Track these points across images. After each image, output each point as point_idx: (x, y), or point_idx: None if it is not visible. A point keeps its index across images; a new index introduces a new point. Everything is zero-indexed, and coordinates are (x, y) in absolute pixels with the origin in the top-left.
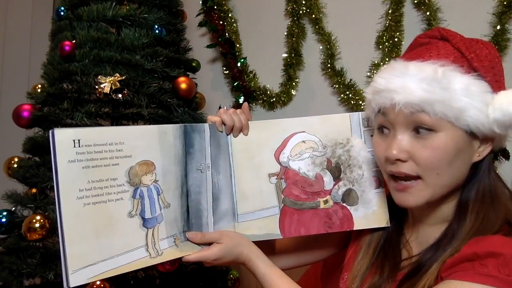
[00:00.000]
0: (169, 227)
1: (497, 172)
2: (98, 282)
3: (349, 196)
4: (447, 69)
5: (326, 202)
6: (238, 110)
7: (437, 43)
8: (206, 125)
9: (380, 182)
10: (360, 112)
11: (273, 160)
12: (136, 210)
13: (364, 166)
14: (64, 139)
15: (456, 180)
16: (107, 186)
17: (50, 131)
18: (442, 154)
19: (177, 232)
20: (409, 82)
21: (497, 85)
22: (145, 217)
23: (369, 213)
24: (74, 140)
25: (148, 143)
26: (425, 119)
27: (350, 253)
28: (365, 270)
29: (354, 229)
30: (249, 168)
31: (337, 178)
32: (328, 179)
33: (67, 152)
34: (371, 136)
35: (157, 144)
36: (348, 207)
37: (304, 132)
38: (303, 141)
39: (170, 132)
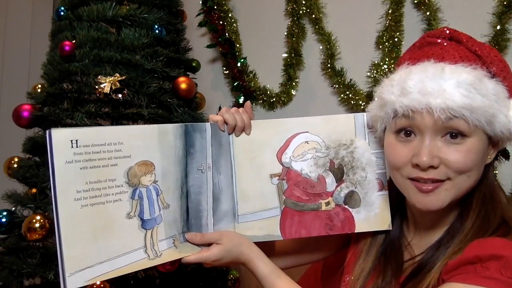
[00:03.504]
0: (168, 228)
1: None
2: (98, 282)
3: (351, 198)
4: (480, 73)
5: (327, 204)
6: (241, 109)
7: (449, 44)
8: (208, 125)
9: (383, 185)
10: (364, 113)
11: (275, 160)
12: (134, 211)
13: (367, 168)
14: (61, 139)
15: (476, 183)
16: (105, 187)
17: (47, 131)
18: (474, 157)
19: (176, 233)
20: (447, 86)
21: None
22: (144, 218)
23: (371, 216)
24: (71, 141)
25: (148, 143)
26: (462, 125)
27: (350, 255)
28: (367, 273)
29: (356, 232)
30: (251, 168)
31: (339, 179)
32: (330, 180)
33: (64, 152)
34: (375, 137)
35: (157, 144)
36: (350, 210)
37: (307, 132)
38: (306, 142)
39: (171, 132)
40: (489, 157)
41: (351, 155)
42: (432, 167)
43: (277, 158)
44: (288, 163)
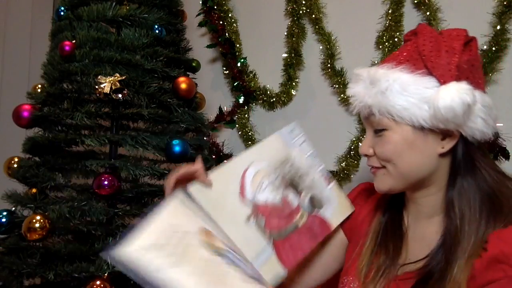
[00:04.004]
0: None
1: (493, 164)
2: (98, 282)
3: (314, 202)
4: (392, 70)
5: (301, 217)
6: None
7: (410, 41)
8: (181, 190)
9: (329, 177)
10: (285, 127)
11: (241, 203)
12: (241, 273)
13: (310, 170)
14: (136, 254)
15: (418, 171)
16: (209, 265)
17: (113, 255)
18: (392, 149)
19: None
20: (360, 88)
21: (444, 78)
22: (250, 274)
23: (336, 208)
24: (145, 249)
25: (185, 216)
26: (374, 121)
27: (353, 257)
28: (370, 255)
29: (332, 228)
30: (225, 220)
31: (297, 192)
32: (291, 196)
33: (150, 261)
34: (304, 142)
35: (192, 213)
36: (319, 213)
37: (253, 164)
38: (257, 172)
39: (184, 199)
40: (441, 147)
41: (293, 167)
42: (368, 155)
43: (242, 200)
44: (252, 199)
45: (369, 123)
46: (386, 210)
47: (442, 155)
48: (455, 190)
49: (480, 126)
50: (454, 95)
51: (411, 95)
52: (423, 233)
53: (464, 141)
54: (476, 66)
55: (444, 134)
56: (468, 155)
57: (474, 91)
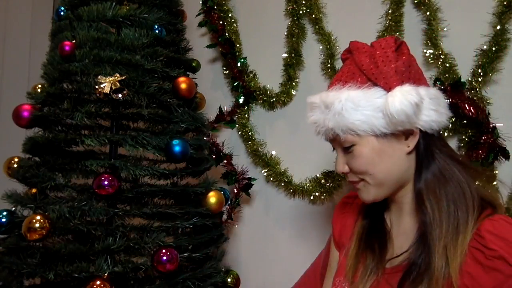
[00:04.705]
0: None
1: (451, 153)
2: (98, 282)
3: None
4: (341, 91)
5: None
6: None
7: (348, 59)
8: None
9: None
10: None
11: None
12: None
13: None
14: None
15: (393, 175)
16: None
17: None
18: (364, 161)
19: None
20: (318, 114)
21: (389, 85)
22: None
23: None
24: None
25: None
26: (341, 140)
27: (341, 259)
28: (355, 257)
29: None
30: None
31: None
32: None
33: None
34: None
35: None
36: None
37: None
38: None
39: None
40: (408, 146)
41: None
42: (344, 173)
43: None
44: None
45: (337, 143)
46: (368, 214)
47: (409, 153)
48: (422, 182)
49: (434, 117)
50: (401, 98)
51: (365, 108)
52: (405, 228)
53: (424, 135)
54: (413, 66)
55: (406, 134)
56: (428, 147)
57: (417, 89)
